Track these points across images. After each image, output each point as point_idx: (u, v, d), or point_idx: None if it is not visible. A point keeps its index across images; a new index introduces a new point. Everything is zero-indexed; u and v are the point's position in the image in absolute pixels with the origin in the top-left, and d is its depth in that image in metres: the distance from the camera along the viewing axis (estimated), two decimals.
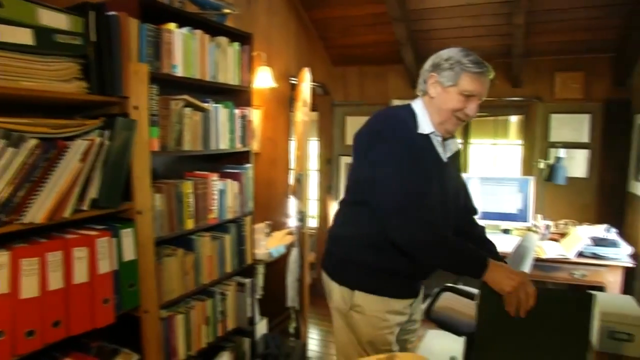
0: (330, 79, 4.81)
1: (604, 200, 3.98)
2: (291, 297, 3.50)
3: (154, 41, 2.06)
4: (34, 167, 1.49)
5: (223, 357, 2.65)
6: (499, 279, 1.45)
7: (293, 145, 3.83)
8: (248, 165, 2.75)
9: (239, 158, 2.77)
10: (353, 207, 1.79)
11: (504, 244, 3.41)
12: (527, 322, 1.42)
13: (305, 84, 3.37)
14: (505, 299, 1.44)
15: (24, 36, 1.47)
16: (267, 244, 3.26)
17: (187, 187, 2.33)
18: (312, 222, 5.00)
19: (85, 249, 1.67)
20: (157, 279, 2.09)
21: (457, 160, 1.89)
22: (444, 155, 1.75)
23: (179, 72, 2.22)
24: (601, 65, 3.92)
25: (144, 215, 1.93)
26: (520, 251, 2.84)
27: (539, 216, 3.95)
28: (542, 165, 4.06)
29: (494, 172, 4.58)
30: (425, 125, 1.69)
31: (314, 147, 5.12)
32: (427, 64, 1.74)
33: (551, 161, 3.99)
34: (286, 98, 3.90)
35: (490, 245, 1.90)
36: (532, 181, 3.89)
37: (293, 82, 3.85)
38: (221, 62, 2.51)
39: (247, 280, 2.76)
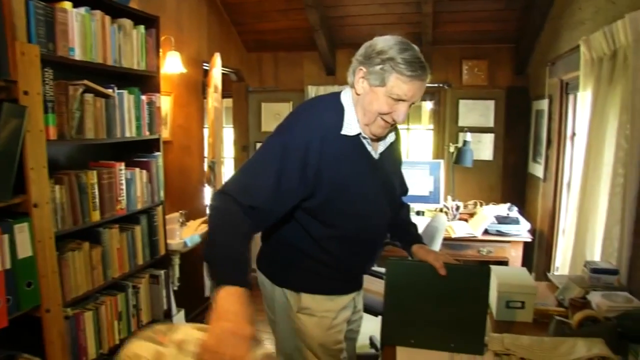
0: (245, 65, 4.74)
1: (508, 181, 4.29)
2: (210, 287, 3.45)
3: (46, 21, 1.90)
4: None
5: None
6: (218, 308, 1.10)
7: (207, 132, 3.74)
8: (157, 153, 2.66)
9: (148, 146, 2.67)
10: None
11: (417, 226, 3.57)
12: (431, 296, 1.50)
13: (217, 69, 3.30)
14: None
15: None
16: (182, 234, 3.18)
17: (91, 177, 2.21)
18: None
19: None
20: (60, 275, 1.98)
21: (395, 149, 1.71)
22: (375, 153, 1.58)
23: (77, 55, 2.08)
24: (503, 54, 4.19)
25: (41, 209, 1.81)
26: (429, 231, 2.99)
27: (449, 197, 4.17)
28: (452, 149, 4.28)
29: (408, 156, 4.77)
30: (352, 124, 1.50)
31: (229, 134, 5.04)
32: (359, 52, 1.50)
33: (460, 145, 4.21)
34: (198, 84, 3.79)
35: (412, 227, 1.88)
36: (442, 164, 4.09)
37: (206, 68, 3.75)
38: (125, 45, 2.39)
39: (162, 272, 2.68)
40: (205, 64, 3.78)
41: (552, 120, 3.34)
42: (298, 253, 1.60)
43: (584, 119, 2.44)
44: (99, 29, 2.20)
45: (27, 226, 1.74)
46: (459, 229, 3.68)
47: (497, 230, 3.59)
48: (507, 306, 1.80)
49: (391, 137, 1.64)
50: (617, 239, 1.98)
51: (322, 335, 1.61)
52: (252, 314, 1.12)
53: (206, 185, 3.69)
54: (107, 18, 2.25)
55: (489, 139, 4.28)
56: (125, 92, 2.40)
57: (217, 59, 3.33)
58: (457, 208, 4.04)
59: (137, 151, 2.63)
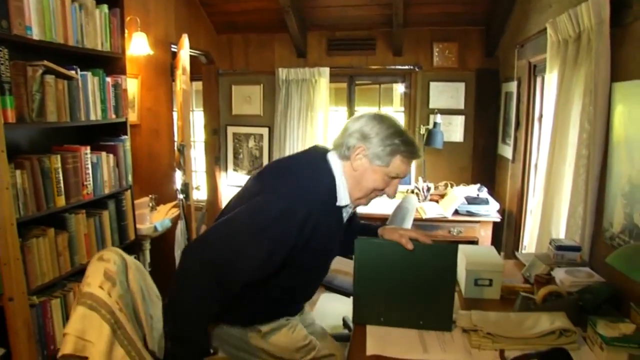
0: (215, 47, 4.65)
1: (478, 163, 4.35)
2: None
3: None
4: None
5: None
6: None
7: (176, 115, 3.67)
8: (124, 137, 2.60)
9: (115, 130, 2.60)
10: None
11: (387, 207, 3.61)
12: (400, 274, 1.51)
13: (184, 51, 3.22)
14: None
15: None
16: (152, 218, 3.13)
17: (55, 161, 2.14)
18: (202, 195, 4.90)
19: None
20: (24, 262, 1.93)
21: None
22: (346, 216, 1.61)
23: (35, 34, 2.00)
24: (473, 37, 4.22)
25: (0, 194, 1.75)
26: (400, 212, 3.02)
27: (420, 179, 4.21)
28: (422, 130, 4.30)
29: None
30: (344, 196, 1.50)
31: (199, 118, 4.97)
32: (354, 129, 1.49)
33: (431, 127, 4.24)
34: (166, 67, 3.70)
35: (367, 225, 1.86)
36: None
37: (174, 50, 3.67)
38: (87, 26, 2.31)
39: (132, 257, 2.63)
40: (173, 46, 3.70)
41: (521, 102, 3.38)
42: (255, 295, 1.57)
43: (550, 101, 2.48)
44: (57, 7, 2.11)
45: None
46: (430, 210, 3.72)
47: (467, 211, 3.65)
48: (476, 284, 1.84)
49: None
50: (580, 217, 2.03)
51: (291, 340, 1.64)
52: None
53: (176, 169, 3.64)
54: None
55: (459, 121, 4.32)
56: (89, 74, 2.33)
57: (185, 40, 3.25)
58: (428, 189, 4.09)
59: (103, 135, 2.57)
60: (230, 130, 4.82)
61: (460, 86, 4.29)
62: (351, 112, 4.62)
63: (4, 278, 1.77)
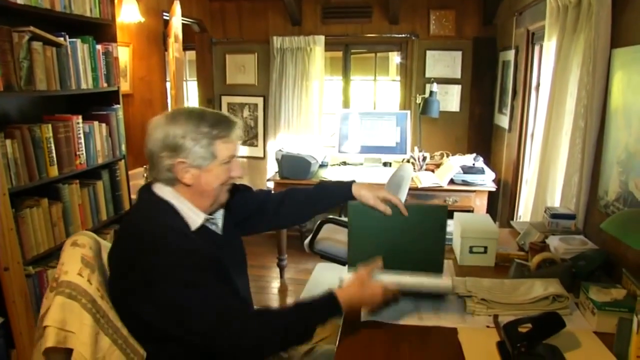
0: (208, 15, 4.55)
1: (474, 132, 4.33)
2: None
3: None
4: None
5: None
6: (351, 304, 1.43)
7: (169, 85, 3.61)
8: (117, 106, 2.56)
9: (107, 99, 2.56)
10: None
11: (383, 176, 3.60)
12: (392, 233, 1.53)
13: (176, 18, 3.15)
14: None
15: None
16: None
17: (46, 131, 2.11)
18: None
19: None
20: (18, 233, 1.92)
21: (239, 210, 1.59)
22: (219, 229, 1.47)
23: None
24: (471, 4, 4.13)
25: None
26: (395, 180, 3.00)
27: (416, 148, 4.19)
28: (418, 100, 4.27)
29: (375, 107, 4.74)
30: (194, 217, 1.34)
31: (193, 88, 4.90)
32: (156, 147, 1.31)
33: (427, 96, 4.20)
34: (159, 35, 3.63)
35: (328, 182, 1.76)
36: (409, 115, 4.08)
37: (166, 18, 3.58)
38: None
39: None
40: (165, 14, 3.61)
41: (518, 71, 3.35)
42: None
43: (548, 70, 2.45)
44: None
45: None
46: (425, 179, 3.72)
47: (463, 180, 3.64)
48: (471, 251, 1.85)
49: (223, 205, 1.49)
50: (575, 185, 2.03)
51: None
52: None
53: None
54: None
55: (455, 90, 4.28)
56: (78, 41, 2.28)
57: (177, 7, 3.18)
58: (424, 159, 4.07)
59: (95, 104, 2.53)
60: (225, 100, 4.76)
61: (457, 55, 4.23)
62: (347, 81, 4.57)
63: None
